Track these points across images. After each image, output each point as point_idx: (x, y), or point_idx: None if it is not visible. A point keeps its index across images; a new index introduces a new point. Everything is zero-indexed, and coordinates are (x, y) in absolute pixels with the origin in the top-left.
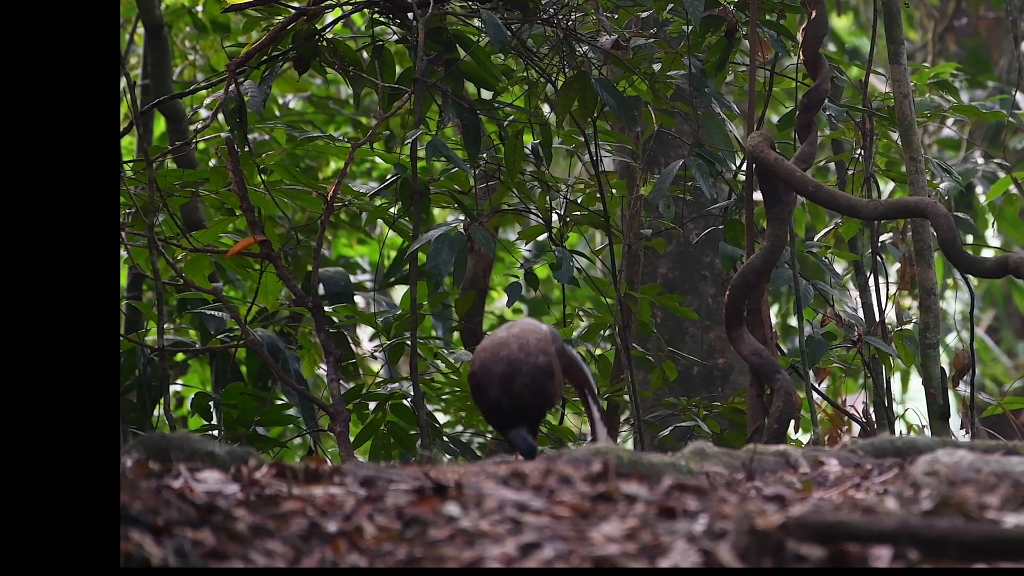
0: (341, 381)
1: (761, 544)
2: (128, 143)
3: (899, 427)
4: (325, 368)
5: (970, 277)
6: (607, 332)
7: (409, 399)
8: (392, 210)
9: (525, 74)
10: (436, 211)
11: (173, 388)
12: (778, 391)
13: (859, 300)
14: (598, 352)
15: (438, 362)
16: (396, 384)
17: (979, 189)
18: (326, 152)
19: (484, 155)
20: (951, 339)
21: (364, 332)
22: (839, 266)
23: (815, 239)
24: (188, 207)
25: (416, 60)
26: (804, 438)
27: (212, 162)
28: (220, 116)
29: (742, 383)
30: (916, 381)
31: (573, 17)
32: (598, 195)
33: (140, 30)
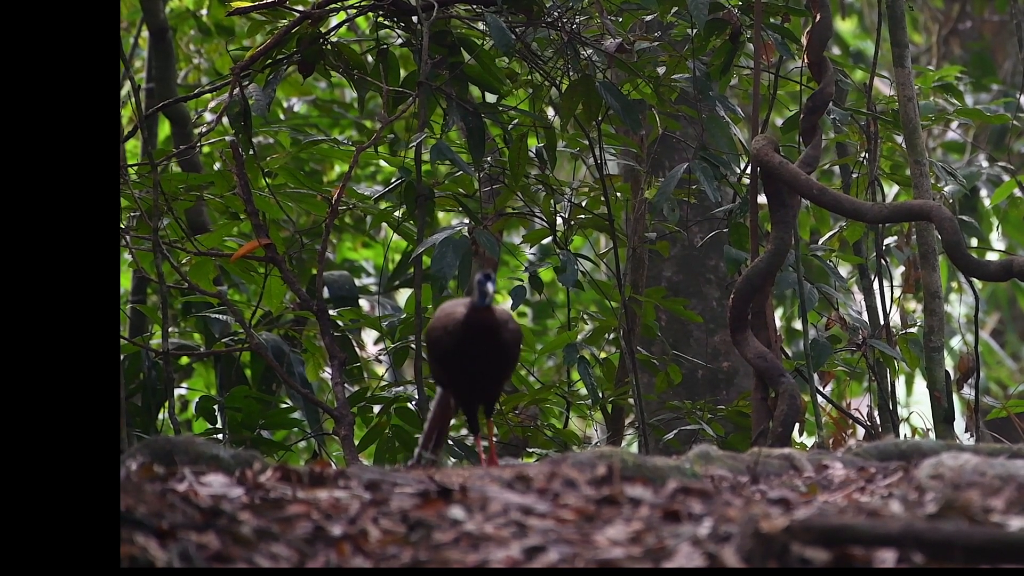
0: (345, 384)
1: (766, 547)
2: (132, 147)
3: (903, 430)
4: (329, 371)
5: (974, 280)
6: (611, 335)
7: (413, 402)
8: (397, 213)
9: (529, 77)
10: (440, 214)
11: (178, 392)
12: (782, 394)
13: (863, 303)
14: (603, 355)
15: None
16: (400, 387)
17: (983, 192)
18: (330, 156)
19: (488, 158)
20: (955, 342)
21: (369, 336)
22: (843, 269)
23: (819, 242)
24: (193, 211)
25: (420, 63)
26: (808, 441)
27: (216, 166)
28: (224, 120)
29: (746, 386)
30: (920, 384)
31: (577, 20)
32: (602, 198)
33: (145, 33)
